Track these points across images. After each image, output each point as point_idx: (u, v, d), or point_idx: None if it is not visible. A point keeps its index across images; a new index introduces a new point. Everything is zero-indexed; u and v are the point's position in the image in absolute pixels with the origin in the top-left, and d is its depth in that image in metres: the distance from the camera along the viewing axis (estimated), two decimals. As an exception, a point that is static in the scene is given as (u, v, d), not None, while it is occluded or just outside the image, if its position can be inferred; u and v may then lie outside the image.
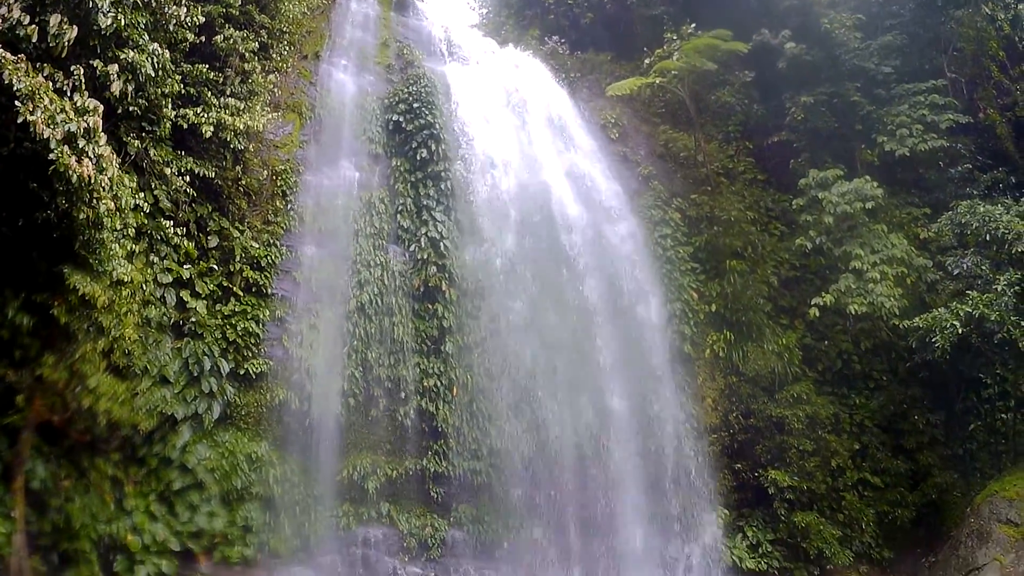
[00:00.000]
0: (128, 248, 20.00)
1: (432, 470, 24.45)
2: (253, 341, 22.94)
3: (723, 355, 29.07)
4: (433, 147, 26.59)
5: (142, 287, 21.09)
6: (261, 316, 23.17)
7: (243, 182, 24.04)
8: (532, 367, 25.77)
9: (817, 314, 28.84)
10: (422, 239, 25.70)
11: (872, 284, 28.48)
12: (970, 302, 26.72)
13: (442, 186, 26.52)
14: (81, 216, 17.29)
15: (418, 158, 26.57)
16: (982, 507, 26.17)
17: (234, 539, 21.66)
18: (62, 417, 19.36)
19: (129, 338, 20.16)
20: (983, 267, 28.74)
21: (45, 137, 15.96)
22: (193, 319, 22.09)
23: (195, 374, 21.80)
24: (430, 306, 25.32)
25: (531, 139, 29.01)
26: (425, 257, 25.47)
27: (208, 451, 21.61)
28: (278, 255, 23.97)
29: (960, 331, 26.56)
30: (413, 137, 26.86)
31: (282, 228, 24.38)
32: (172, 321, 21.88)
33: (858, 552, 28.45)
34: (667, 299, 28.67)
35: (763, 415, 28.59)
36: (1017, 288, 26.85)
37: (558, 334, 26.30)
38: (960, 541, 25.95)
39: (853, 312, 28.33)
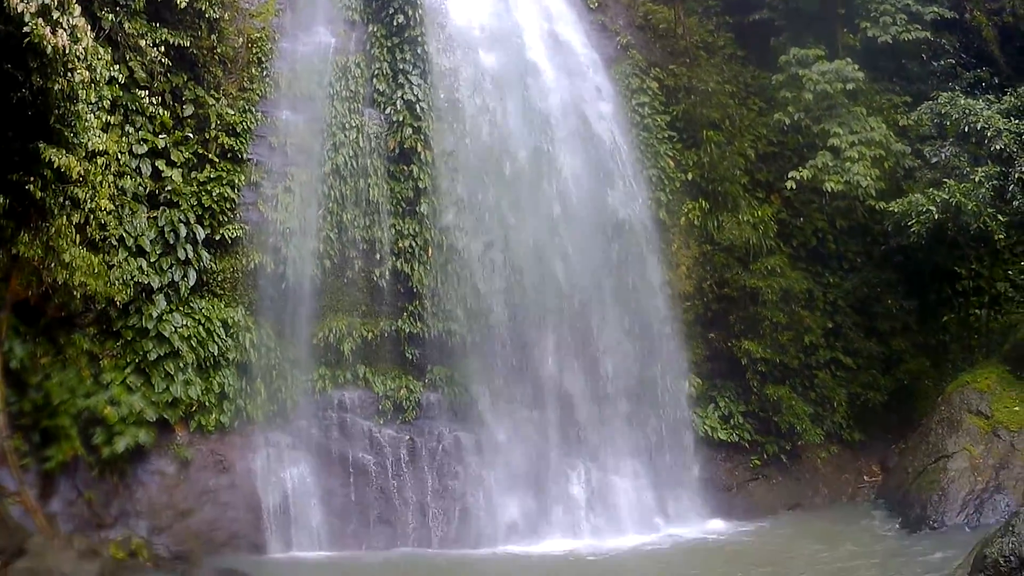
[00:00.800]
0: (103, 120, 20.81)
1: (407, 331, 25.22)
2: (228, 206, 23.68)
3: (698, 224, 29.48)
4: (410, 13, 26.71)
5: (117, 158, 21.82)
6: (236, 181, 23.85)
7: (218, 51, 24.43)
8: (507, 228, 26.38)
9: (793, 187, 29.36)
10: (398, 102, 26.02)
11: (849, 163, 28.98)
12: (947, 190, 27.44)
13: (418, 51, 26.70)
14: (56, 88, 17.77)
15: (395, 24, 26.68)
16: (953, 396, 27.22)
17: (210, 407, 22.76)
18: (38, 294, 20.19)
19: (104, 209, 21.02)
20: (961, 159, 29.32)
21: (19, 11, 16.28)
22: (168, 188, 22.76)
23: (170, 242, 22.56)
24: (405, 168, 25.79)
25: (509, 5, 29.23)
26: (401, 119, 25.84)
27: (184, 319, 22.40)
28: (253, 121, 24.53)
29: (936, 217, 27.40)
30: (390, 3, 26.92)
31: (257, 95, 24.88)
32: (147, 191, 22.57)
33: (829, 432, 29.65)
34: (643, 165, 29.02)
35: (737, 285, 29.06)
36: (995, 182, 27.54)
37: (532, 197, 26.79)
38: (930, 428, 27.02)
39: (829, 189, 28.86)
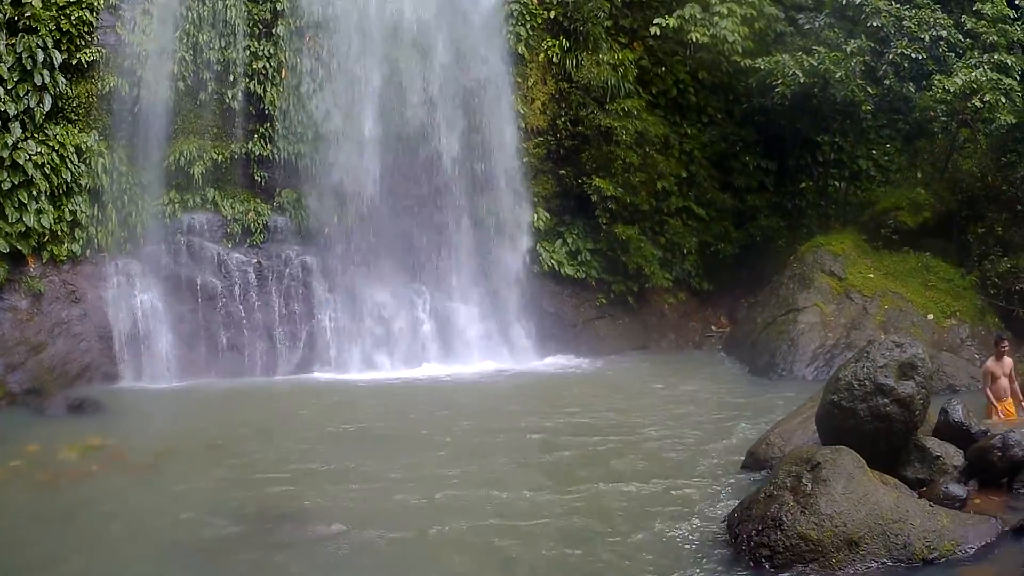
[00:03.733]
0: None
1: (257, 153, 27.53)
2: (87, 30, 25.74)
3: (557, 61, 31.76)
4: None
5: (-24, -14, 23.62)
6: (96, 4, 25.80)
7: None
8: (362, 51, 28.42)
9: (657, 33, 31.99)
10: (258, -77, 27.48)
11: (719, 18, 31.64)
12: (817, 56, 30.48)
13: None
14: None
15: None
16: (807, 256, 30.42)
17: (62, 236, 25.25)
18: None
19: (-38, 38, 22.73)
20: (835, 31, 32.45)
21: None
22: (28, 14, 24.64)
23: (27, 68, 24.56)
24: (264, -10, 27.39)
25: None
26: (260, -60, 27.03)
27: (38, 146, 24.62)
28: (114, -55, 26.07)
29: (802, 81, 30.42)
30: None
31: (118, -82, 26.40)
32: (7, 18, 24.60)
33: (678, 278, 32.73)
34: (505, 1, 31.00)
35: (592, 124, 31.31)
36: (867, 58, 30.77)
37: (389, 23, 28.81)
38: (781, 283, 30.18)
39: (694, 40, 31.63)
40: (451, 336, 28.99)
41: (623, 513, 14.31)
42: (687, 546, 12.79)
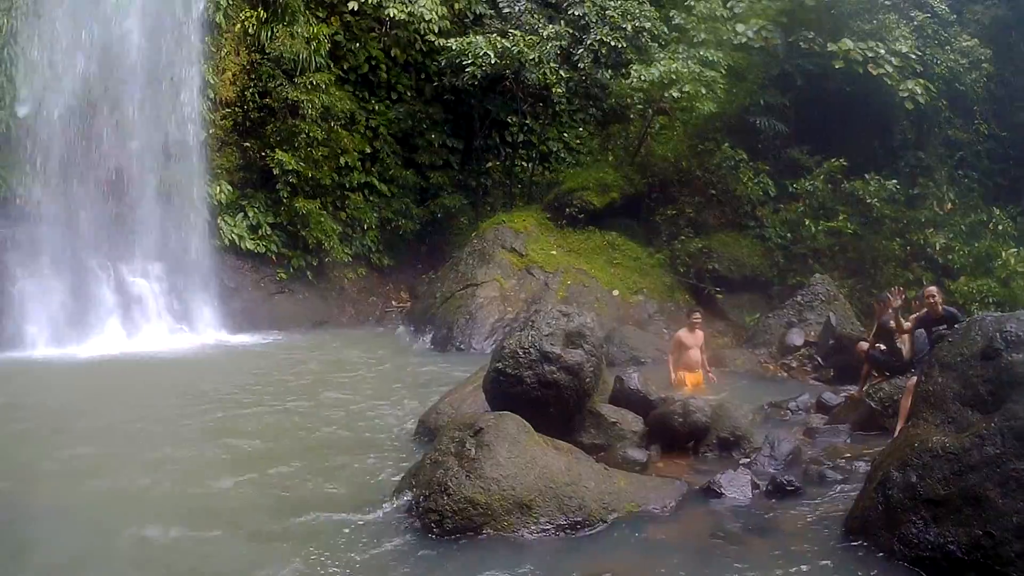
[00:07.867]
0: None
1: None
2: None
3: (252, 32, 33.60)
4: None
5: None
6: None
7: None
8: (52, 22, 29.45)
9: (355, 9, 34.19)
10: None
11: None
12: (511, 39, 32.84)
13: None
14: None
15: None
16: (487, 232, 32.87)
17: None
18: None
19: None
20: (536, 16, 35.15)
21: None
22: None
23: None
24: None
25: None
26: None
27: None
28: None
29: (493, 62, 32.81)
30: None
31: None
32: None
33: (358, 253, 35.42)
34: None
35: (280, 97, 33.62)
36: (564, 43, 33.40)
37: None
38: (462, 259, 32.51)
39: (391, 16, 33.88)
40: (133, 312, 30.22)
41: (290, 489, 14.47)
42: (356, 518, 13.00)
